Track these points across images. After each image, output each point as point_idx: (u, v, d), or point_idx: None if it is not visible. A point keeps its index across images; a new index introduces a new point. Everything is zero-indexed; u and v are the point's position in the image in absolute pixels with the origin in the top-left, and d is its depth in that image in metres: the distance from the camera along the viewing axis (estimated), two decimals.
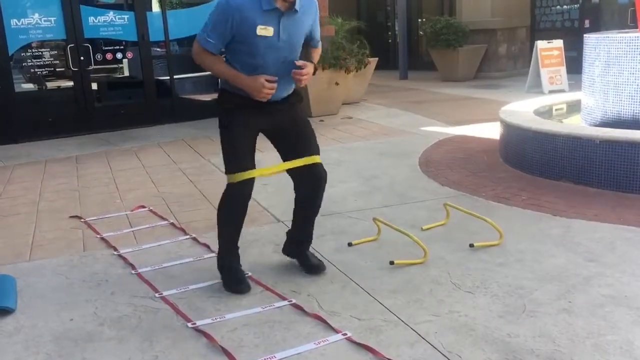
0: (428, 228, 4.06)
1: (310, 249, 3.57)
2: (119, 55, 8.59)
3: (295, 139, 3.29)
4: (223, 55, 3.17)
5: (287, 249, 3.58)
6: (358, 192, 4.98)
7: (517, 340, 2.62)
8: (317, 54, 3.41)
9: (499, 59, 13.21)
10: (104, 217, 4.67)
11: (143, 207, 4.86)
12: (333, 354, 2.59)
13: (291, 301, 3.08)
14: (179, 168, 6.18)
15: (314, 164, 3.28)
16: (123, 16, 8.45)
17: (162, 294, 3.24)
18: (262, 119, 3.18)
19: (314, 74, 3.24)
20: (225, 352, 2.62)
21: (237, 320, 2.93)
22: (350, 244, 3.83)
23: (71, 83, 8.38)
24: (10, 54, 7.86)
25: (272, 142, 3.36)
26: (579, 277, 3.21)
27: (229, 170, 3.17)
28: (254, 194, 3.25)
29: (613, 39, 5.20)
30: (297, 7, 3.02)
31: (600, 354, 2.48)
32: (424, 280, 3.28)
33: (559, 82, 10.19)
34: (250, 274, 3.43)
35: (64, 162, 6.79)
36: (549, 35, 11.58)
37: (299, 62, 3.10)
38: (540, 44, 10.24)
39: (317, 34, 3.34)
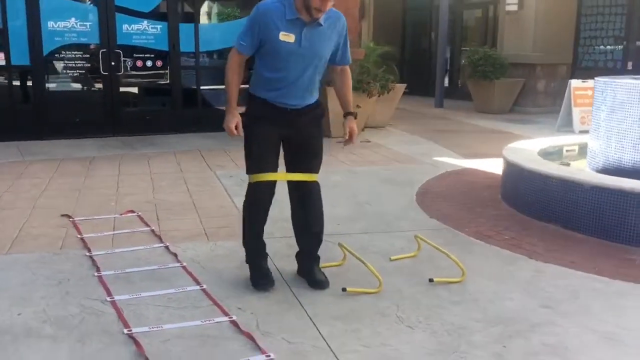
0: (396, 259, 4.05)
1: (276, 266, 3.74)
2: (149, 63, 8.85)
3: (303, 153, 3.49)
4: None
5: (298, 269, 3.73)
6: (345, 217, 5.00)
7: None
8: (346, 75, 3.59)
9: (537, 94, 13.01)
10: (92, 218, 4.81)
11: (132, 212, 4.99)
12: None
13: (231, 318, 3.12)
14: (183, 177, 6.32)
15: (309, 181, 3.51)
16: (156, 26, 8.69)
17: (113, 298, 3.33)
18: (284, 127, 3.41)
19: (355, 117, 3.55)
20: None
21: (173, 331, 2.99)
22: None
23: (100, 87, 8.67)
24: (44, 54, 8.20)
25: (282, 149, 3.56)
26: (527, 323, 3.15)
27: (248, 171, 3.47)
28: None
29: (619, 83, 5.11)
30: (321, 20, 3.25)
31: None
32: (371, 310, 3.27)
33: (590, 122, 9.95)
34: (205, 286, 3.50)
35: (79, 162, 7.01)
36: (590, 75, 11.29)
37: (346, 128, 3.51)
38: (574, 83, 10.07)
39: (345, 51, 3.51)
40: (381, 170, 6.85)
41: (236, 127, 3.36)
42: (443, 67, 13.76)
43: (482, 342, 2.94)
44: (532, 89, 12.98)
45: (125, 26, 8.52)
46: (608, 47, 12.54)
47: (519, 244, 4.40)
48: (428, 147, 8.41)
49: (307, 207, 3.60)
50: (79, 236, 4.36)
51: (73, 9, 8.32)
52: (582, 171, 5.06)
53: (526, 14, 12.92)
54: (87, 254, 4.01)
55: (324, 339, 2.93)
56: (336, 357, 2.77)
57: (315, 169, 3.55)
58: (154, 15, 8.78)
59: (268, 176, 3.44)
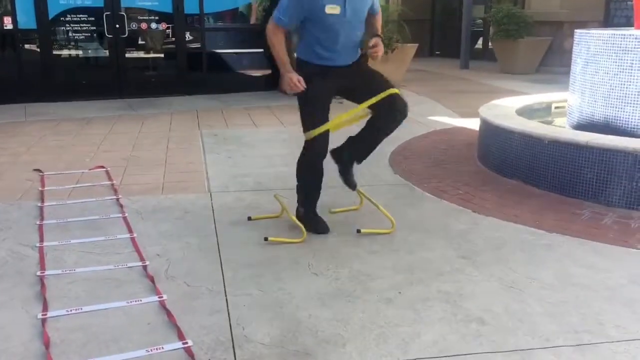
0: (336, 211, 4.07)
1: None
2: (153, 26, 8.97)
3: (366, 85, 3.59)
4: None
5: (338, 152, 3.95)
6: None
7: (311, 321, 2.64)
8: (378, 20, 3.75)
9: (564, 53, 12.52)
10: (61, 172, 5.00)
11: (102, 167, 5.15)
12: (135, 313, 2.72)
13: (145, 263, 3.23)
14: (168, 136, 6.45)
15: (393, 95, 3.55)
16: None
17: (42, 244, 3.48)
18: (335, 81, 3.55)
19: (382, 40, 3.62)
20: (44, 300, 2.81)
21: (83, 274, 3.12)
22: (249, 218, 3.93)
23: (105, 50, 8.87)
24: (50, 18, 8.41)
25: (350, 99, 3.73)
26: (435, 272, 3.15)
27: (306, 129, 3.60)
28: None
29: (593, 35, 4.91)
30: None
31: (377, 344, 2.47)
32: (286, 259, 3.33)
33: None
34: (135, 235, 3.62)
35: (76, 122, 7.23)
36: None
37: (371, 42, 3.49)
38: None
39: (377, 2, 3.70)
40: None
41: (299, 81, 3.45)
42: (468, 27, 13.43)
43: (378, 289, 2.96)
44: (559, 48, 12.55)
45: None
46: None
47: (470, 199, 4.36)
48: (429, 107, 8.29)
49: (390, 125, 3.68)
50: (40, 189, 4.54)
51: None
52: (542, 126, 4.92)
53: None
54: (39, 204, 4.18)
55: (223, 283, 3.01)
56: (226, 299, 2.85)
57: (390, 85, 3.58)
58: None
59: (334, 122, 3.58)
